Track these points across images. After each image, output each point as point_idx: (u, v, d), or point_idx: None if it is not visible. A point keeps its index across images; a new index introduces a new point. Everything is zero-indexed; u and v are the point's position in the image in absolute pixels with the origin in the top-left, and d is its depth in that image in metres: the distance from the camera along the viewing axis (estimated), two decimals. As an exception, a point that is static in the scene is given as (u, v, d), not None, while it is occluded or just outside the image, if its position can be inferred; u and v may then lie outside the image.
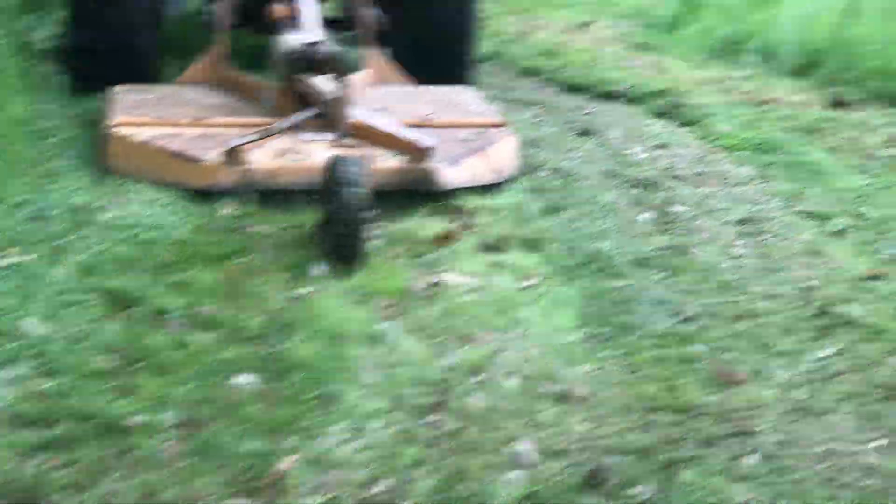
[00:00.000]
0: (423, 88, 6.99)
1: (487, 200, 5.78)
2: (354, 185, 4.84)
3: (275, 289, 4.71)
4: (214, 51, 6.84)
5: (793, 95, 8.58)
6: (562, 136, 7.10)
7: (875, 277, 5.21)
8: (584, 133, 7.20)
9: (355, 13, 7.14)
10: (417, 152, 5.67)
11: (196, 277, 4.73)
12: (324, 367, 4.04)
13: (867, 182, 6.51)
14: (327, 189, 4.91)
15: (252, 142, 5.58)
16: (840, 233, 5.74)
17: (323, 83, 5.79)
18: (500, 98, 7.78)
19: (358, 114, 5.80)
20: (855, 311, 4.83)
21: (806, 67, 9.32)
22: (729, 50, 9.93)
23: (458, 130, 6.17)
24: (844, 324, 4.73)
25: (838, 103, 8.41)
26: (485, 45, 9.28)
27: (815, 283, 5.14)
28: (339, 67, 5.78)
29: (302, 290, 4.70)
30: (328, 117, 5.70)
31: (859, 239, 5.70)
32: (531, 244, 5.36)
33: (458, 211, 5.63)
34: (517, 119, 7.22)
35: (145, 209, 5.35)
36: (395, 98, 6.64)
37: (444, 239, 5.30)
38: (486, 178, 5.89)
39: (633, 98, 8.17)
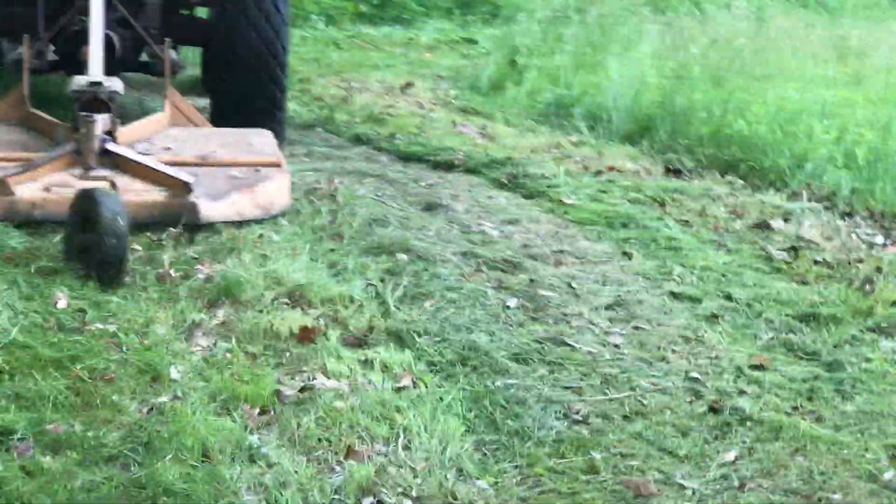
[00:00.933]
0: (217, 130, 7.28)
1: (343, 288, 5.36)
2: (101, 214, 5.19)
3: (129, 397, 4.20)
4: (15, 91, 7.02)
5: (628, 163, 8.42)
6: (406, 212, 6.71)
7: (759, 367, 4.96)
8: (430, 208, 6.84)
9: (157, 58, 7.49)
10: (177, 187, 5.93)
11: (39, 388, 4.17)
12: (197, 494, 3.56)
13: (727, 259, 6.31)
14: (75, 218, 5.35)
15: (16, 174, 5.83)
16: (714, 317, 5.49)
17: (86, 119, 5.99)
18: (334, 171, 7.41)
19: (119, 150, 6.07)
20: (747, 405, 4.56)
21: (636, 133, 9.22)
22: (556, 114, 9.77)
23: (232, 169, 6.43)
24: (740, 421, 4.45)
25: (674, 171, 8.29)
26: (308, 111, 8.97)
27: (699, 374, 4.86)
28: (112, 106, 6.13)
29: (160, 398, 4.19)
30: (81, 153, 5.96)
31: (734, 323, 5.46)
32: (399, 338, 4.95)
33: (315, 301, 5.19)
34: (357, 194, 6.85)
35: (-36, 308, 4.76)
36: (185, 138, 6.95)
37: (306, 333, 4.85)
38: (252, 213, 6.14)
39: (471, 168, 7.87)
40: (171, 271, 5.40)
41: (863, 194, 7.69)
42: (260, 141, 6.99)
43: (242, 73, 7.66)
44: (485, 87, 10.78)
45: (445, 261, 5.86)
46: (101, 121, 6.04)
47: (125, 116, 6.84)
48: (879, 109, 9.01)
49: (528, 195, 7.36)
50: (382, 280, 5.56)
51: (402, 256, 5.86)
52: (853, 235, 7.03)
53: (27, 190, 5.85)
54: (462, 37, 14.20)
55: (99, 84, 6.18)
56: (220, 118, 7.72)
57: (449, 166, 7.90)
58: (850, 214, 7.49)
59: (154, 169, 6.05)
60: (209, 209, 5.96)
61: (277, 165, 6.54)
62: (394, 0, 15.01)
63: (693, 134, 8.87)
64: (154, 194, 5.95)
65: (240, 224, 6.03)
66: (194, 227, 5.91)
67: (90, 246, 5.25)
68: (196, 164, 6.40)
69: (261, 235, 5.92)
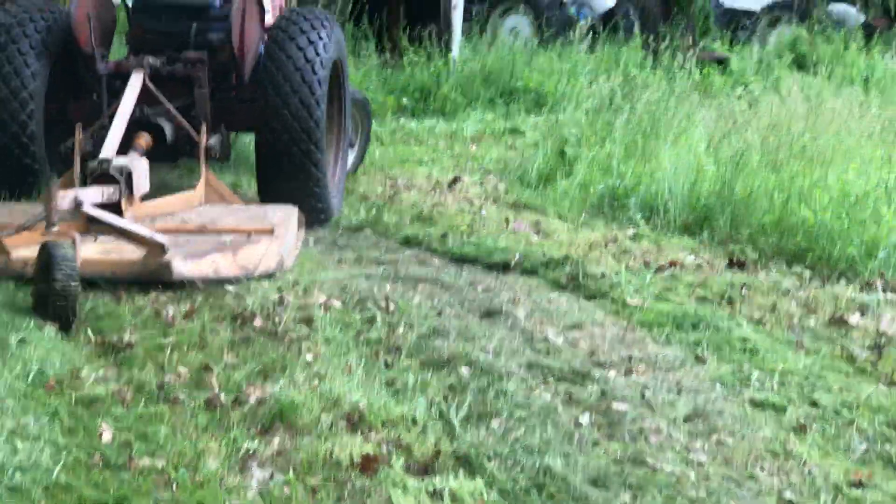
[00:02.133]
0: (242, 206, 7.94)
1: (404, 408, 5.05)
2: (59, 263, 5.85)
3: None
4: (67, 176, 7.54)
5: (689, 256, 8.11)
6: (465, 320, 6.37)
7: (858, 484, 4.61)
8: (489, 314, 6.51)
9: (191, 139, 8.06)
10: (153, 248, 6.55)
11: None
12: None
13: (807, 361, 5.95)
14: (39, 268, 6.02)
15: (9, 235, 6.57)
16: (801, 427, 5.14)
17: (49, 185, 6.68)
18: (386, 277, 7.12)
19: (98, 214, 6.72)
20: (850, 529, 4.20)
21: (695, 224, 8.90)
22: (610, 206, 9.46)
23: (227, 235, 7.07)
24: (844, 546, 4.09)
25: (737, 263, 7.95)
26: (354, 213, 8.69)
27: (794, 495, 4.51)
28: (120, 180, 7.01)
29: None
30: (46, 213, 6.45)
31: (824, 433, 5.12)
32: (467, 463, 4.63)
33: (375, 424, 4.88)
34: (412, 302, 6.54)
35: (5, 444, 4.46)
36: (207, 212, 7.63)
37: (368, 462, 4.53)
38: (230, 272, 6.66)
39: (528, 269, 7.53)
40: (221, 395, 5.10)
41: (942, 284, 7.33)
42: (275, 214, 7.55)
43: (275, 152, 8.14)
44: (534, 180, 10.46)
45: (510, 374, 5.53)
46: (92, 190, 6.90)
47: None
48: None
49: (589, 296, 7.02)
50: (445, 398, 5.24)
51: (465, 371, 5.54)
52: (936, 329, 6.66)
53: (21, 250, 6.51)
54: (507, 127, 13.90)
55: (108, 161, 7.08)
56: (262, 194, 8.38)
57: (505, 267, 7.57)
58: (928, 305, 7.13)
59: (132, 232, 6.71)
60: (182, 267, 6.52)
61: (270, 232, 7.08)
62: (435, 92, 14.79)
63: (755, 223, 8.54)
64: (131, 254, 6.61)
65: (290, 342, 5.74)
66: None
67: (46, 293, 5.90)
68: (193, 231, 7.15)
69: (309, 351, 5.63)
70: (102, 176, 7.03)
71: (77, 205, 6.70)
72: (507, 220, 8.86)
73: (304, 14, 8.59)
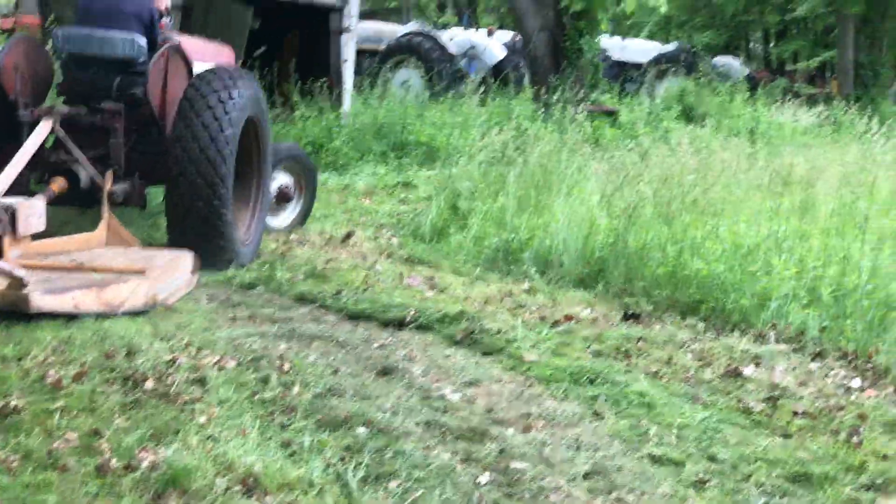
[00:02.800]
0: (134, 249, 8.28)
1: (300, 470, 4.93)
2: None
3: None
4: None
5: (584, 310, 8.13)
6: (361, 378, 6.28)
7: (758, 539, 4.59)
8: (385, 372, 6.42)
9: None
10: (11, 280, 6.73)
11: None
12: None
13: (704, 414, 5.95)
14: None
15: None
16: (700, 483, 5.12)
17: None
18: (280, 335, 7.00)
19: None
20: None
21: (589, 277, 8.94)
22: (504, 260, 9.47)
23: (99, 274, 7.36)
24: None
25: (632, 316, 7.98)
26: (247, 268, 8.57)
27: (695, 550, 4.47)
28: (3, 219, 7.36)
29: None
30: None
31: (723, 488, 5.09)
32: (366, 527, 4.53)
33: (271, 488, 4.76)
34: (307, 361, 6.43)
35: None
36: (97, 253, 8.02)
37: (264, 528, 4.41)
38: (92, 307, 6.88)
39: (423, 325, 7.45)
40: (112, 461, 4.95)
41: (831, 333, 7.41)
42: (162, 257, 7.93)
43: (181, 205, 8.51)
44: (428, 234, 10.47)
45: (408, 433, 5.44)
46: None
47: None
48: (834, 241, 8.78)
49: (486, 352, 6.97)
50: (342, 459, 5.13)
51: (362, 430, 5.44)
52: (828, 379, 6.74)
53: None
54: (399, 181, 13.96)
55: None
56: (170, 242, 8.64)
57: (400, 324, 7.49)
58: (821, 356, 7.23)
59: None
60: (40, 301, 6.70)
61: (142, 272, 7.34)
62: (327, 146, 14.75)
63: (649, 276, 8.60)
64: None
65: (183, 403, 5.61)
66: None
67: None
68: (68, 269, 7.45)
69: (203, 413, 5.49)
70: None
71: None
72: (401, 276, 8.81)
73: (219, 72, 8.91)
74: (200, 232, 8.48)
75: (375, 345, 6.98)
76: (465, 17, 32.18)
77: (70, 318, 6.67)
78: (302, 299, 8.06)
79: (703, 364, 6.90)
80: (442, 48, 24.44)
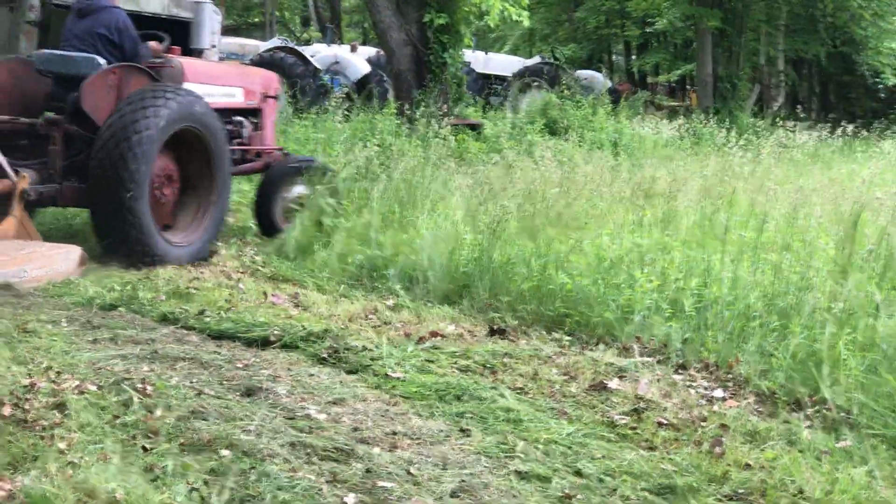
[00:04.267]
0: (25, 242, 9.32)
1: (163, 496, 4.84)
2: None
3: None
4: None
5: (450, 326, 8.15)
6: (225, 399, 6.19)
7: (624, 552, 4.62)
8: (250, 393, 6.34)
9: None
10: None
11: None
12: None
13: (570, 429, 5.98)
14: None
15: None
16: (567, 498, 5.13)
17: None
18: (142, 357, 6.87)
19: None
20: None
21: (455, 293, 8.96)
22: (369, 277, 9.44)
23: None
24: None
25: (498, 331, 8.01)
26: (107, 289, 8.43)
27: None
28: None
29: None
30: None
31: (589, 503, 5.11)
32: (230, 553, 4.45)
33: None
34: (170, 383, 6.31)
35: None
36: None
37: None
38: None
39: (288, 343, 7.39)
40: (-34, 492, 4.80)
41: (693, 344, 7.51)
42: (47, 253, 9.11)
43: (98, 207, 9.74)
44: (292, 251, 10.38)
45: (273, 454, 5.36)
46: None
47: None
48: (695, 253, 8.90)
49: (351, 370, 6.93)
50: (206, 482, 5.03)
51: (226, 453, 5.35)
52: (691, 390, 6.83)
53: None
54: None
55: None
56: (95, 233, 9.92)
57: (264, 343, 7.42)
58: (684, 367, 7.33)
59: None
60: None
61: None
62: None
63: (514, 290, 8.64)
64: None
65: (42, 429, 5.46)
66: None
67: None
68: None
69: (63, 438, 5.36)
70: None
71: None
72: (265, 294, 8.74)
73: (151, 88, 10.07)
74: (112, 223, 9.54)
75: (239, 365, 6.90)
76: (329, 32, 32.10)
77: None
78: (165, 320, 7.94)
79: (569, 378, 6.94)
80: (306, 63, 24.36)
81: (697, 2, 31.95)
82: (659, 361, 7.42)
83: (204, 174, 10.42)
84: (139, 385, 6.17)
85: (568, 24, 46.68)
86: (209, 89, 11.02)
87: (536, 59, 32.07)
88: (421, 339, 7.64)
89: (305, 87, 23.51)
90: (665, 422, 6.18)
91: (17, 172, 9.59)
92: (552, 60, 31.48)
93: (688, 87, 45.98)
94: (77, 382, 6.16)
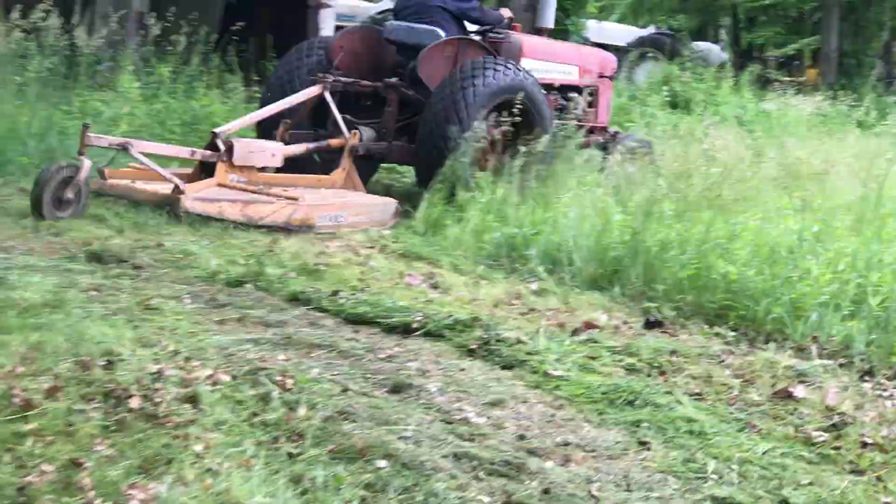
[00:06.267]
0: (344, 192, 10.34)
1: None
2: None
3: None
4: None
5: (603, 315, 7.46)
6: (372, 396, 5.55)
7: None
8: (398, 389, 5.69)
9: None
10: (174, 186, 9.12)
11: None
12: None
13: (765, 447, 5.28)
14: None
15: None
16: (778, 534, 4.44)
17: None
18: (276, 342, 6.25)
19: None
20: None
21: (603, 278, 8.25)
22: (508, 257, 8.75)
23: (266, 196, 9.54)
24: None
25: (655, 323, 7.31)
26: (231, 263, 7.85)
27: None
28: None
29: None
30: None
31: (804, 540, 4.42)
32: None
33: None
34: (310, 375, 5.68)
35: None
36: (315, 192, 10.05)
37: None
38: (236, 217, 9.16)
39: (432, 331, 6.71)
40: (97, 501, 4.22)
41: (880, 348, 6.74)
42: (362, 199, 10.31)
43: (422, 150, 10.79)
44: (422, 226, 9.72)
45: (437, 469, 4.72)
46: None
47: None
48: (866, 244, 8.11)
49: (505, 365, 6.25)
50: (363, 500, 4.42)
51: (383, 464, 4.72)
52: (887, 402, 6.07)
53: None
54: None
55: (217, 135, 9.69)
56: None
57: (406, 330, 6.76)
58: (870, 373, 6.57)
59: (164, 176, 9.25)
60: (190, 204, 9.00)
61: (294, 199, 9.48)
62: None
63: (670, 278, 7.90)
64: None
65: (175, 427, 4.87)
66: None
67: None
68: (252, 192, 9.55)
69: (198, 438, 4.76)
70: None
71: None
72: (400, 274, 8.10)
73: (477, 62, 10.79)
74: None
75: (382, 355, 6.25)
76: None
77: (40, 323, 5.91)
78: (295, 299, 7.32)
79: (746, 382, 6.23)
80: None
81: (827, -27, 30.84)
82: (841, 366, 6.68)
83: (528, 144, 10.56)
84: (278, 378, 5.54)
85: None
86: (546, 66, 11.78)
87: (651, 30, 31.08)
88: (576, 331, 6.97)
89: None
90: (869, 441, 5.44)
91: (350, 130, 10.53)
92: (669, 31, 30.49)
93: (796, 62, 44.60)
94: (209, 371, 5.54)
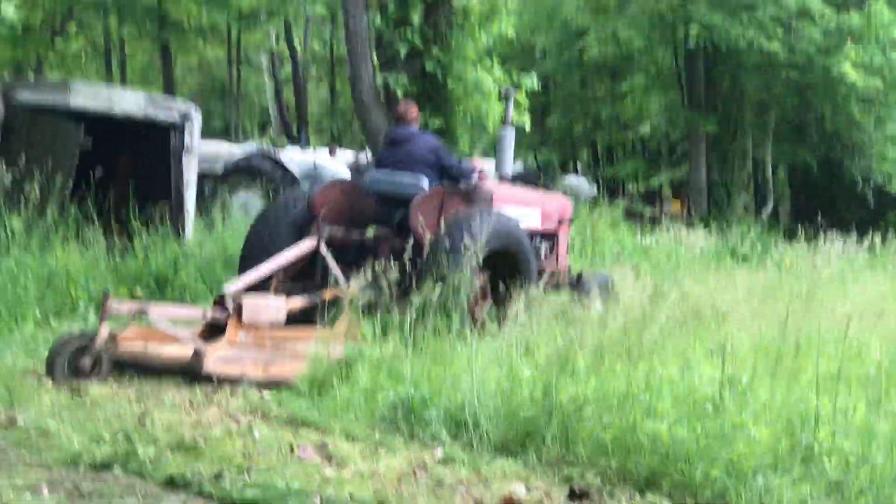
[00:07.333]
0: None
1: None
2: None
3: None
4: None
5: (521, 486, 6.64)
6: None
7: None
8: None
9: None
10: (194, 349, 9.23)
11: None
12: None
13: None
14: None
15: None
16: None
17: None
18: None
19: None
20: None
21: (515, 441, 7.40)
22: (405, 420, 7.88)
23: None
24: None
25: (580, 495, 6.50)
26: (97, 442, 6.89)
27: None
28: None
29: None
30: None
31: None
32: None
33: None
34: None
35: None
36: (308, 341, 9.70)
37: None
38: (258, 377, 9.20)
39: (334, 520, 5.83)
40: None
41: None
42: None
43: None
44: (306, 386, 8.82)
45: None
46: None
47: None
48: (801, 395, 7.42)
49: (423, 559, 5.38)
50: None
51: None
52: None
53: None
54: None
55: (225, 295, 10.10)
56: None
57: (305, 518, 5.86)
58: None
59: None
60: (213, 366, 9.08)
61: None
62: (173, 280, 13.03)
63: (590, 440, 7.10)
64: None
65: None
66: None
67: None
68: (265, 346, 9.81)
69: None
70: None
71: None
72: (291, 447, 7.18)
73: (471, 210, 11.11)
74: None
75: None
76: (303, 135, 30.70)
77: None
78: (172, 484, 6.36)
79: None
80: (284, 169, 22.87)
81: (691, 107, 30.91)
82: (798, 538, 5.92)
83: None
84: None
85: (538, 127, 45.56)
86: (513, 211, 11.91)
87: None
88: (498, 511, 6.12)
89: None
90: None
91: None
92: (537, 166, 30.25)
93: (663, 194, 44.94)
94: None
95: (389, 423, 7.92)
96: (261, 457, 6.93)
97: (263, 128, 50.82)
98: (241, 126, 46.59)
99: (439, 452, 7.28)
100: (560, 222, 13.10)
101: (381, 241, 11.39)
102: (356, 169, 24.78)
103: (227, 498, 6.12)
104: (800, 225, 22.80)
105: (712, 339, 9.16)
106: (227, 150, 25.39)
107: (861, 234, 19.45)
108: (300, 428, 7.85)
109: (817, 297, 11.68)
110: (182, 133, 15.25)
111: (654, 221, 28.83)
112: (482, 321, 10.22)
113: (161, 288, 12.90)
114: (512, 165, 13.65)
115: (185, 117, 15.27)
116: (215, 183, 21.94)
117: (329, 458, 7.07)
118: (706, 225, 23.23)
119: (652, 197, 45.11)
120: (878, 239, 17.73)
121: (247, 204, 21.68)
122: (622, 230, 21.07)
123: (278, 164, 22.99)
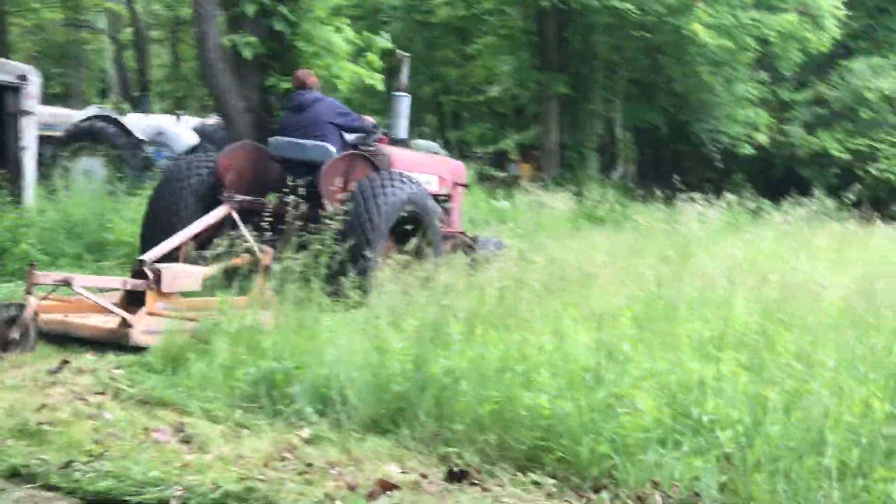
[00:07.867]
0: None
1: None
2: None
3: None
4: None
5: (393, 467, 6.22)
6: None
7: None
8: None
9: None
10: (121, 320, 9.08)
11: None
12: None
13: None
14: None
15: None
16: None
17: None
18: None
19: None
20: None
21: (386, 418, 6.98)
22: (268, 396, 7.40)
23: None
24: None
25: (459, 475, 6.11)
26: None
27: None
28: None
29: None
30: None
31: None
32: None
33: None
34: None
35: None
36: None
37: None
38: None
39: (193, 509, 5.34)
40: None
41: (735, 493, 5.71)
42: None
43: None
44: (159, 362, 8.26)
45: None
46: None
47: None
48: (680, 363, 7.14)
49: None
50: None
51: None
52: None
53: None
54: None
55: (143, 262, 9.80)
56: None
57: (164, 510, 5.36)
58: (727, 523, 5.50)
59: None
60: (138, 338, 8.83)
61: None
62: (12, 250, 12.28)
63: (468, 415, 6.70)
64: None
65: None
66: None
67: None
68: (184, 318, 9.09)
69: None
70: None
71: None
72: (145, 430, 6.65)
73: (383, 175, 11.48)
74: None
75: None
76: (146, 100, 29.76)
77: None
78: (16, 475, 5.81)
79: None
80: (128, 134, 22.02)
81: (543, 68, 30.70)
82: (696, 515, 5.61)
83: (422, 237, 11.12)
84: None
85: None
86: (414, 176, 12.04)
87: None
88: (371, 495, 5.69)
89: (129, 159, 21.25)
90: None
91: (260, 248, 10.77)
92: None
93: (510, 157, 44.76)
94: None
95: (251, 401, 7.43)
96: (114, 442, 6.39)
97: (104, 93, 49.45)
98: (81, 91, 45.14)
99: (306, 432, 6.82)
100: (455, 186, 13.39)
101: (287, 207, 10.92)
102: (203, 133, 24.06)
103: (76, 489, 5.61)
104: (651, 186, 22.77)
105: (584, 305, 8.84)
106: (68, 114, 24.40)
107: (710, 195, 19.39)
108: (155, 408, 7.30)
109: (686, 259, 11.46)
110: (18, 94, 14.43)
111: (508, 185, 28.63)
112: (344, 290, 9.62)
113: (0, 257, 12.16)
114: (406, 131, 13.59)
115: (22, 79, 14.44)
116: (56, 148, 21.00)
117: (188, 441, 6.57)
118: (559, 185, 23.00)
119: (499, 160, 44.92)
120: (732, 199, 17.66)
121: (90, 170, 20.83)
122: (477, 193, 20.71)
123: (122, 129, 22.13)
